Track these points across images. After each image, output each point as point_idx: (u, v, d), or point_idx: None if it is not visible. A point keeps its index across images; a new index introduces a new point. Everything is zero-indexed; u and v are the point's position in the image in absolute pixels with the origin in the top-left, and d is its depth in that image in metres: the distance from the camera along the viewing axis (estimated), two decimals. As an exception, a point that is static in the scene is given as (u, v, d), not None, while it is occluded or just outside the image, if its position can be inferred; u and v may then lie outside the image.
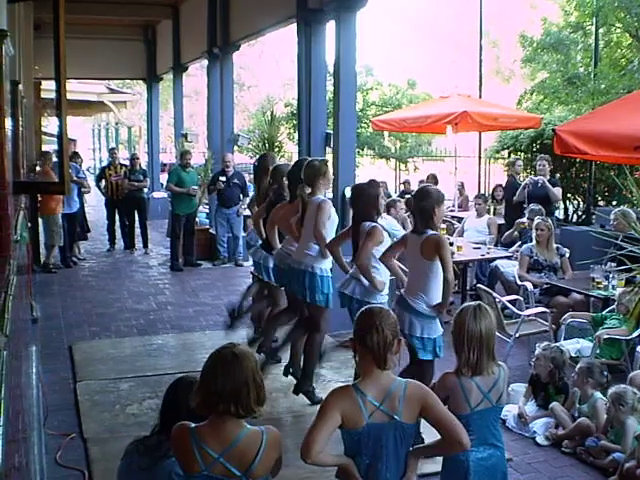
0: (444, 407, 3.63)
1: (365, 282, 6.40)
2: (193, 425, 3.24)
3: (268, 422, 3.40)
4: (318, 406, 3.58)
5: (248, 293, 8.88)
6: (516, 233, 11.39)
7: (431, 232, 5.90)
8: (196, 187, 14.12)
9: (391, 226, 10.32)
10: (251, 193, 11.77)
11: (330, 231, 6.84)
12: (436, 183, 15.66)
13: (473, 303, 4.20)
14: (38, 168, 12.96)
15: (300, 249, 7.02)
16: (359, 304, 6.17)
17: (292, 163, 8.06)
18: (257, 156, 15.70)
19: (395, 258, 6.46)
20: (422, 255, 5.87)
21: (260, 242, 8.27)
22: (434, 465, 4.20)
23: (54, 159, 12.93)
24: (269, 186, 8.06)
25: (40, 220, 13.21)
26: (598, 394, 6.35)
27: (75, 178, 13.81)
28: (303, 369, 7.09)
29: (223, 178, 13.71)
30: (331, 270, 6.98)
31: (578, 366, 6.55)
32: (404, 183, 20.17)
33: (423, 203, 5.95)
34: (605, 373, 6.55)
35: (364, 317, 3.63)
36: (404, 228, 9.73)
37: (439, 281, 5.85)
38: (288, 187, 7.47)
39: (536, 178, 12.11)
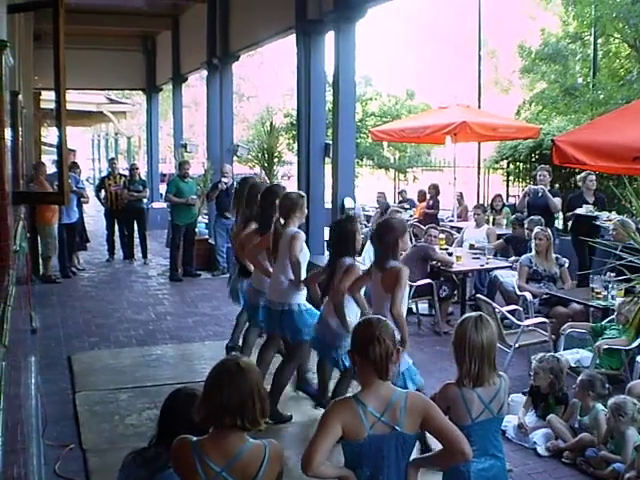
0: (445, 417, 3.62)
1: (332, 324, 6.22)
2: (194, 439, 3.21)
3: (269, 433, 3.38)
4: (319, 417, 3.56)
5: (239, 324, 8.68)
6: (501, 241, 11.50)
7: (393, 263, 5.83)
8: (195, 197, 14.11)
9: None
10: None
11: (302, 264, 6.77)
12: (437, 193, 15.74)
13: (474, 314, 4.18)
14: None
15: (273, 285, 6.95)
16: (328, 349, 6.23)
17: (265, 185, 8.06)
18: (255, 167, 15.77)
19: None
20: (382, 288, 5.81)
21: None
22: (434, 476, 4.18)
23: (48, 170, 12.94)
24: (245, 205, 8.02)
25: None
26: (600, 406, 6.33)
27: (75, 188, 13.81)
28: (270, 392, 6.99)
29: (225, 180, 13.67)
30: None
31: (579, 378, 6.53)
32: (400, 193, 20.24)
33: (386, 237, 5.91)
34: (606, 385, 6.54)
35: (363, 328, 3.62)
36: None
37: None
38: (261, 214, 7.41)
39: (536, 187, 12.11)
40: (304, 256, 6.81)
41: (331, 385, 7.34)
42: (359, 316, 6.34)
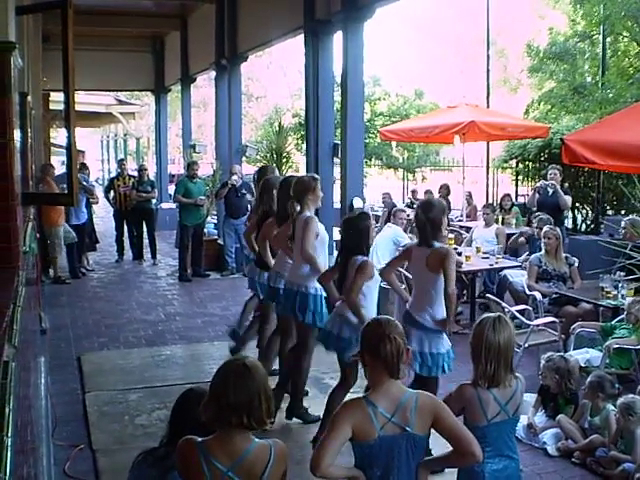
0: (456, 419, 3.61)
1: (352, 318, 6.11)
2: (200, 439, 3.21)
3: (275, 433, 3.38)
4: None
5: (247, 309, 8.76)
6: (522, 239, 11.39)
7: (438, 244, 5.85)
8: (203, 197, 14.10)
9: (396, 235, 10.33)
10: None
11: (320, 250, 6.70)
12: (448, 193, 15.76)
13: (493, 314, 4.17)
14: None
15: (293, 269, 6.91)
16: (344, 343, 6.09)
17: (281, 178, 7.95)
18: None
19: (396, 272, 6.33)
20: (428, 268, 5.81)
21: (252, 257, 8.25)
22: (445, 477, 4.17)
23: (57, 171, 12.98)
24: (261, 200, 7.94)
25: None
26: (610, 406, 6.31)
27: (84, 183, 13.87)
28: (292, 392, 6.94)
29: (235, 177, 13.63)
30: None
31: (588, 380, 6.51)
32: (412, 192, 20.24)
33: (430, 215, 5.89)
34: (616, 385, 6.52)
35: (373, 328, 3.61)
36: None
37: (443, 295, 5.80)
38: (277, 205, 7.37)
39: (547, 183, 12.10)
40: (322, 240, 6.75)
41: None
42: (375, 313, 6.31)
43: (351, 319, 6.10)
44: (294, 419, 6.85)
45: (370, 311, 6.13)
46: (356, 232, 6.19)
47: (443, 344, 5.88)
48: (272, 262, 7.59)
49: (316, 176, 7.12)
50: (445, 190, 16.22)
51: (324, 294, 6.75)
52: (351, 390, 6.20)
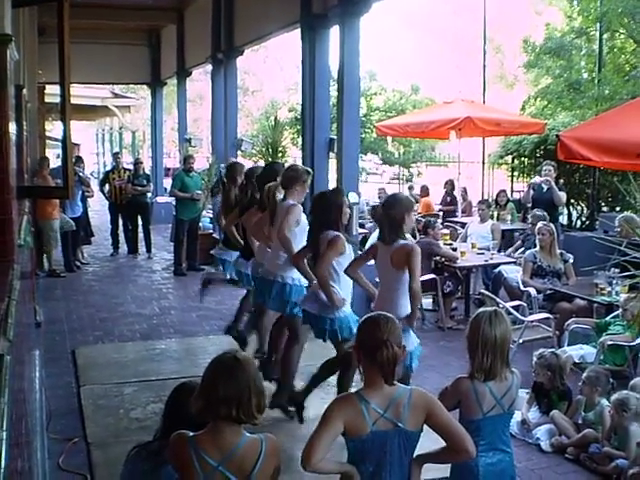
0: (450, 415, 3.60)
1: (323, 297, 6.09)
2: (191, 434, 3.22)
3: (269, 428, 3.39)
4: (321, 412, 3.55)
5: (243, 308, 8.74)
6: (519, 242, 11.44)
7: (402, 241, 5.75)
8: (200, 192, 14.09)
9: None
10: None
11: (300, 238, 6.62)
12: (453, 189, 15.80)
13: (490, 308, 4.19)
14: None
15: (271, 258, 6.88)
16: (317, 320, 6.08)
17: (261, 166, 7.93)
18: (260, 161, 15.72)
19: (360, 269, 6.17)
20: (392, 265, 5.72)
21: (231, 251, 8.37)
22: (438, 471, 4.17)
23: (51, 165, 12.96)
24: (243, 189, 7.97)
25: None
26: (605, 402, 6.33)
27: (80, 174, 13.87)
28: (280, 381, 6.89)
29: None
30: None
31: (585, 375, 6.53)
32: (409, 188, 20.30)
33: (392, 211, 5.80)
34: (611, 380, 6.55)
35: (371, 330, 3.55)
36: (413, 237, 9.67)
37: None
38: (260, 190, 7.33)
39: (541, 179, 12.12)
40: (302, 228, 6.66)
41: (334, 383, 7.35)
42: (351, 291, 6.30)
43: (322, 299, 6.05)
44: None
45: (343, 288, 6.08)
46: (329, 206, 6.13)
47: (409, 342, 5.64)
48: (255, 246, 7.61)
49: (310, 170, 7.11)
50: (450, 185, 16.27)
51: (303, 284, 6.72)
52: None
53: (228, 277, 8.89)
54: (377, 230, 6.25)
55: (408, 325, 5.73)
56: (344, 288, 6.14)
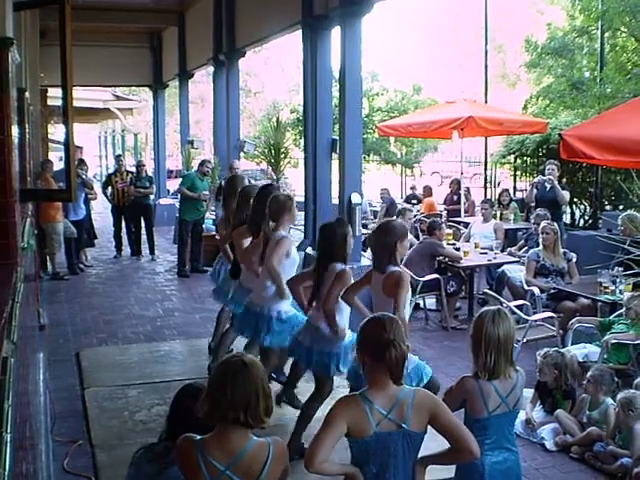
0: (453, 415, 3.60)
1: (326, 331, 5.98)
2: (198, 437, 3.20)
3: (275, 429, 3.38)
4: (326, 413, 3.55)
5: (220, 322, 8.72)
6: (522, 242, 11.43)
7: (393, 268, 5.62)
8: (207, 193, 14.13)
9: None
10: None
11: (289, 270, 6.61)
12: (459, 188, 15.78)
13: (493, 307, 4.19)
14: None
15: (258, 289, 6.86)
16: (318, 355, 5.98)
17: (259, 186, 7.90)
18: (262, 162, 15.72)
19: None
20: (384, 292, 5.61)
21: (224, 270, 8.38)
22: (443, 472, 4.16)
23: (55, 167, 12.98)
24: (238, 209, 7.89)
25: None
26: (609, 400, 6.33)
27: (83, 177, 13.90)
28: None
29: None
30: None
31: (590, 373, 6.53)
32: (412, 188, 20.30)
33: (384, 239, 5.68)
34: (615, 379, 6.54)
35: (376, 331, 3.54)
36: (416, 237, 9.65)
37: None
38: (252, 215, 7.26)
39: (544, 178, 12.12)
40: (292, 261, 6.69)
41: (338, 383, 7.34)
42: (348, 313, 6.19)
43: (324, 332, 5.97)
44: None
45: (344, 319, 6.02)
46: (333, 239, 6.04)
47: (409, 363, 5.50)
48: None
49: (291, 195, 7.07)
50: (456, 185, 16.26)
51: (289, 313, 6.70)
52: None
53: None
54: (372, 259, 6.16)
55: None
56: (343, 320, 6.05)
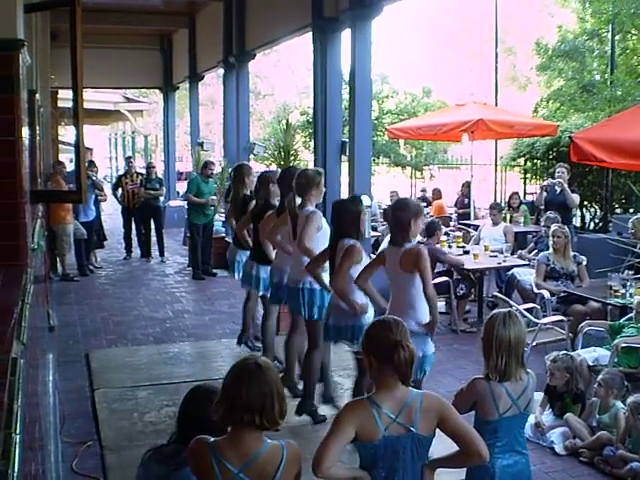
0: (462, 418, 3.58)
1: (344, 306, 6.03)
2: (212, 439, 3.19)
3: (284, 431, 3.36)
4: (334, 416, 3.54)
5: (248, 312, 8.84)
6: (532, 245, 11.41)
7: (409, 244, 5.67)
8: (214, 197, 14.11)
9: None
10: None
11: (321, 243, 6.58)
12: (469, 191, 15.75)
13: (504, 310, 4.20)
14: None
15: (295, 266, 6.87)
16: (345, 331, 6.02)
17: (279, 171, 7.97)
18: (272, 165, 15.73)
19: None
20: (401, 268, 5.63)
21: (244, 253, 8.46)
22: (451, 476, 4.14)
23: (67, 169, 13.02)
24: (256, 194, 8.01)
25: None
26: (619, 404, 6.30)
27: (94, 178, 13.96)
28: (304, 388, 6.88)
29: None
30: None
31: (600, 377, 6.50)
32: (422, 190, 20.31)
33: (399, 214, 5.72)
34: (625, 382, 6.52)
35: (382, 333, 3.52)
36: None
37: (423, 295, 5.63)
38: (280, 195, 7.38)
39: (554, 181, 12.10)
40: (324, 234, 6.65)
41: (348, 385, 7.34)
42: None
43: (342, 306, 6.00)
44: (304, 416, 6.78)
45: (361, 296, 6.02)
46: (347, 215, 6.10)
47: (430, 347, 5.65)
48: (272, 256, 7.67)
49: (320, 170, 7.09)
50: (467, 187, 16.25)
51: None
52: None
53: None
54: (389, 235, 6.17)
55: (430, 332, 5.66)
56: (361, 296, 6.05)
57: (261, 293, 8.22)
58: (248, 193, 8.62)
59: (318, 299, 6.70)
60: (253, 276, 8.07)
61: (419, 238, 9.06)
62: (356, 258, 5.97)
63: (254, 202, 8.12)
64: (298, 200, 6.90)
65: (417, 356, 5.39)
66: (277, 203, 7.60)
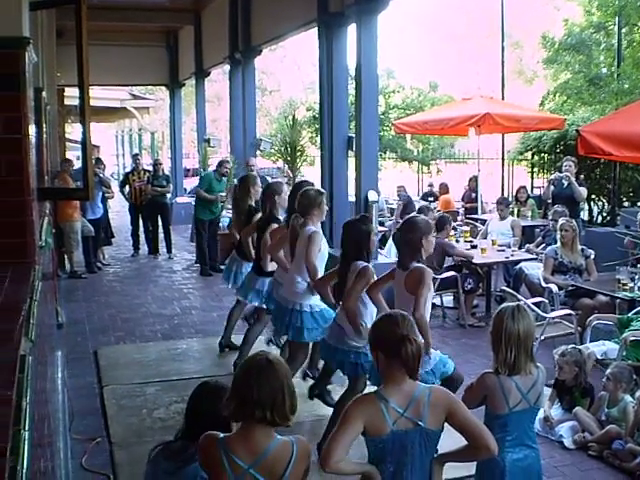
0: (470, 412, 3.58)
1: (349, 330, 5.90)
2: (222, 435, 3.20)
3: (294, 427, 3.36)
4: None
5: (233, 318, 8.92)
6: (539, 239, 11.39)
7: (416, 264, 5.57)
8: (223, 194, 14.11)
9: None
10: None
11: (319, 266, 6.59)
12: (477, 185, 15.74)
13: (512, 304, 4.19)
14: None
15: (288, 284, 6.85)
16: (343, 354, 5.94)
17: (282, 182, 8.02)
18: (278, 161, 15.73)
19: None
20: (406, 290, 5.55)
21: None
22: (460, 470, 4.14)
23: (75, 166, 13.04)
24: (262, 205, 7.99)
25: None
26: (628, 397, 6.30)
27: (101, 175, 13.98)
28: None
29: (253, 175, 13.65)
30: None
31: (609, 371, 6.49)
32: (430, 185, 20.28)
33: (410, 235, 5.62)
34: (634, 376, 6.50)
35: (389, 327, 3.53)
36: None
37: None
38: (288, 210, 7.40)
39: (561, 175, 12.08)
40: (322, 256, 6.66)
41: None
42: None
43: (346, 330, 5.91)
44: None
45: (369, 317, 5.92)
46: (358, 237, 6.01)
47: (428, 363, 5.45)
48: (269, 268, 7.75)
49: (322, 190, 7.07)
50: (474, 182, 16.23)
51: (320, 307, 6.70)
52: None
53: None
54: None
55: (425, 353, 5.52)
56: (367, 319, 5.94)
57: (257, 304, 8.20)
58: (253, 204, 8.60)
59: (309, 322, 6.64)
60: (252, 289, 8.07)
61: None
62: (369, 280, 5.88)
63: (260, 215, 8.11)
64: (300, 219, 6.88)
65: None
66: (283, 216, 7.64)
